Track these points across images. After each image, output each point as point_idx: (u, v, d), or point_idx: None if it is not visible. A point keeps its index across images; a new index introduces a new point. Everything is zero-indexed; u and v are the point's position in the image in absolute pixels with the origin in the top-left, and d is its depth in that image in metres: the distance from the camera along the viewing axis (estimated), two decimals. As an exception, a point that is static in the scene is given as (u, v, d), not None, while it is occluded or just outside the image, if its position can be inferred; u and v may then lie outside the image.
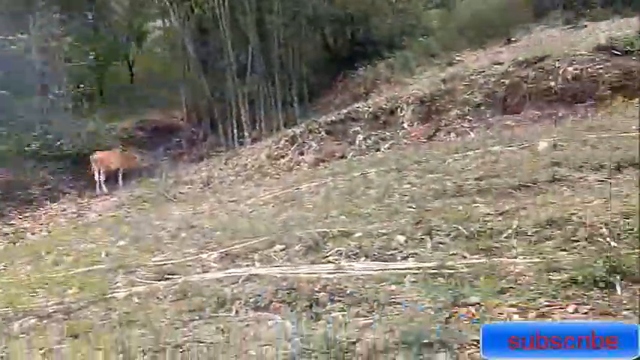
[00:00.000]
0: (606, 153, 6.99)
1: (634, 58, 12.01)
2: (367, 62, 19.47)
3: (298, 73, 20.83)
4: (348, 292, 4.32)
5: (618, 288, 3.53)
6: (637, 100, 11.24)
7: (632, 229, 4.28)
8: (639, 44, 11.93)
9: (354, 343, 3.44)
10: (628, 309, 3.28)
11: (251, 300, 4.47)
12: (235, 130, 19.57)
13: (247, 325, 4.09)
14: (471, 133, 12.56)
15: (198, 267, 5.94)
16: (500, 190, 6.65)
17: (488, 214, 5.87)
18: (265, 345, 3.61)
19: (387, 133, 14.25)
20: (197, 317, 4.44)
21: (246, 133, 19.34)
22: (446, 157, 9.95)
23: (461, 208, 6.27)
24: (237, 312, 4.42)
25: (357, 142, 14.51)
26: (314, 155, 14.72)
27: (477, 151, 9.77)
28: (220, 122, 20.22)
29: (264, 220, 8.13)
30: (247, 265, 5.62)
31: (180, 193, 14.40)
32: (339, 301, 4.21)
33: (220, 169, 16.40)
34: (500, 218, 5.64)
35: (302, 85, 20.85)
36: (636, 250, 3.92)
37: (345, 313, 3.97)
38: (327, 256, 5.50)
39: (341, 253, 5.44)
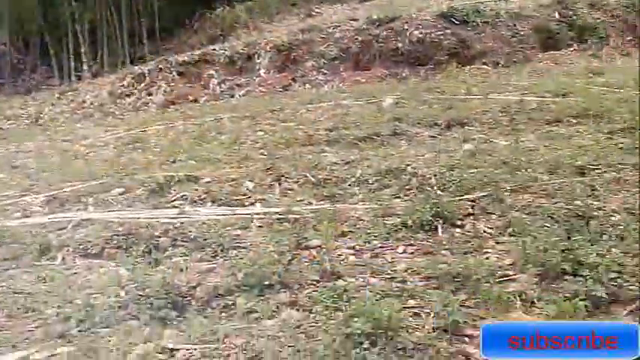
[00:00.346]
0: (439, 112, 7.68)
1: (468, 29, 13.29)
2: (226, 3, 18.52)
3: (149, 5, 19.02)
4: (191, 236, 4.17)
5: (440, 230, 3.94)
6: (468, 67, 12.56)
7: (455, 180, 4.78)
8: (474, 16, 13.20)
9: (194, 287, 3.34)
10: (446, 249, 3.69)
11: (81, 247, 4.07)
12: (72, 62, 17.36)
13: (75, 274, 3.73)
14: (325, 85, 12.88)
15: (19, 211, 5.23)
16: (347, 141, 6.95)
17: (335, 163, 6.11)
18: (95, 293, 3.33)
19: (243, 80, 13.92)
20: (14, 266, 3.92)
21: (85, 67, 17.30)
22: (300, 107, 10.10)
23: (310, 156, 6.44)
24: (63, 259, 4.00)
25: (212, 86, 13.94)
26: (164, 96, 13.80)
27: (329, 103, 10.08)
28: (54, 51, 17.72)
29: (103, 162, 7.45)
30: (79, 210, 5.10)
31: None
32: (182, 245, 4.04)
33: (52, 104, 14.53)
34: (345, 167, 5.90)
35: (153, 19, 19.13)
36: (456, 198, 4.40)
37: (187, 257, 3.83)
38: (171, 201, 5.24)
39: (187, 198, 5.22)
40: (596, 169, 4.69)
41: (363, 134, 7.07)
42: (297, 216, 4.51)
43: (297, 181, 5.64)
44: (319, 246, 3.82)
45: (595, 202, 3.98)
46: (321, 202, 4.93)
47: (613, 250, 3.18)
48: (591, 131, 5.98)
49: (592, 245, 3.21)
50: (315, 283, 3.31)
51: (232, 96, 13.32)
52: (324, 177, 5.61)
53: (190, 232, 4.23)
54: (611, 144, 5.38)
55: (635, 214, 3.64)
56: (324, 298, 3.04)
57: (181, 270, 3.57)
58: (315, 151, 6.78)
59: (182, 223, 4.41)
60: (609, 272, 2.89)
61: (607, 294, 2.77)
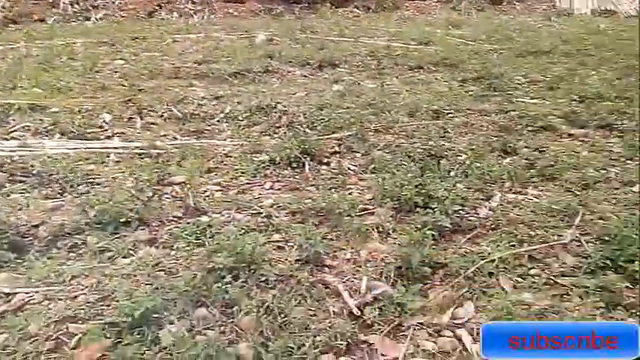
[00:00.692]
0: (312, 52, 7.66)
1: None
2: None
3: None
4: (34, 171, 3.71)
5: (307, 167, 4.00)
6: (341, 9, 12.63)
7: (323, 119, 4.85)
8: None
9: (37, 226, 2.99)
10: (312, 185, 3.76)
11: None
12: None
13: None
14: (195, 15, 12.05)
15: None
16: (217, 76, 6.65)
17: (204, 97, 5.84)
18: None
19: (100, 1, 12.43)
20: None
21: None
22: (166, 36, 9.36)
23: (177, 90, 6.07)
24: None
25: (62, 5, 12.22)
26: (2, 13, 11.78)
27: (198, 35, 9.50)
28: None
29: None
30: None
31: None
32: (22, 181, 3.57)
33: None
34: (214, 102, 5.67)
35: None
36: (324, 136, 4.48)
37: (29, 194, 3.41)
38: (10, 132, 4.59)
39: (29, 129, 4.61)
40: (449, 113, 5.09)
41: (233, 69, 6.82)
42: (160, 151, 4.24)
43: (162, 115, 5.30)
44: (183, 182, 3.65)
45: (446, 143, 4.32)
46: (187, 138, 4.70)
47: (458, 185, 3.51)
48: (447, 79, 6.45)
49: (441, 181, 3.50)
50: (177, 219, 3.18)
51: (88, 19, 11.85)
52: (190, 112, 5.34)
53: (33, 166, 3.76)
54: (463, 91, 5.86)
55: (478, 154, 4.03)
56: (187, 234, 2.93)
57: (21, 208, 3.17)
58: (182, 84, 6.41)
59: (23, 156, 3.89)
60: (454, 205, 3.18)
61: (451, 224, 3.05)
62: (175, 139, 4.69)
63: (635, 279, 2.53)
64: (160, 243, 2.90)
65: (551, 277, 2.61)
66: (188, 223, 3.06)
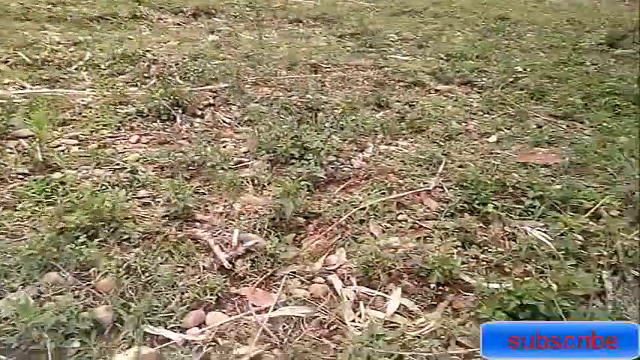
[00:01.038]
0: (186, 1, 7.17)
1: None
2: None
3: None
4: None
5: (178, 120, 3.74)
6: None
7: (197, 70, 4.57)
8: None
9: None
10: (184, 138, 3.54)
11: None
12: None
13: None
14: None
15: None
16: (75, 19, 5.95)
17: (59, 43, 5.21)
18: None
19: None
20: None
21: None
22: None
23: (26, 33, 5.34)
24: None
25: None
26: None
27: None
28: None
29: None
30: None
31: None
32: None
33: None
34: (72, 49, 5.08)
35: None
36: (198, 88, 4.23)
37: None
38: None
39: None
40: (327, 67, 5.09)
41: (96, 13, 6.16)
42: (2, 101, 3.68)
43: (6, 61, 4.65)
44: (31, 135, 3.21)
45: (323, 97, 4.32)
46: (38, 87, 4.16)
47: (333, 137, 3.53)
48: (325, 33, 6.44)
49: (318, 134, 3.49)
50: (22, 176, 2.79)
51: None
52: (43, 58, 4.73)
53: None
54: (340, 46, 5.89)
55: (353, 107, 4.09)
56: (34, 192, 2.59)
57: None
58: (33, 27, 5.64)
59: None
60: (329, 156, 3.20)
61: (326, 175, 3.07)
62: (23, 87, 4.13)
63: (487, 220, 2.77)
64: (0, 203, 2.53)
65: (417, 222, 2.75)
66: (35, 180, 2.70)
